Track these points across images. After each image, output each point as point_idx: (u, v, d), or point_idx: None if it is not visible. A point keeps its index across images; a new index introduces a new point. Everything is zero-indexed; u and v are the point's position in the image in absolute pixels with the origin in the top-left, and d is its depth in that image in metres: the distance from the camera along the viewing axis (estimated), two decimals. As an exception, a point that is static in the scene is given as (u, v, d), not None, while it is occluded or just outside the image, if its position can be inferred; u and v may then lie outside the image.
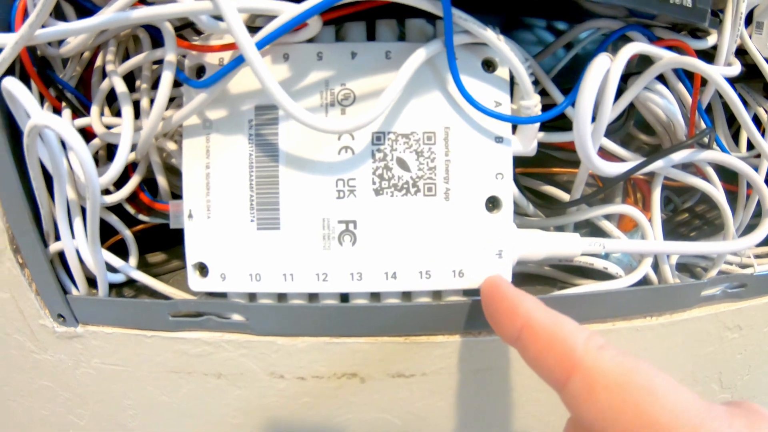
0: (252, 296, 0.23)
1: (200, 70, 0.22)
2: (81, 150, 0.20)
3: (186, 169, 0.22)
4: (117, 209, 0.26)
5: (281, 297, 0.23)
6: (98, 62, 0.25)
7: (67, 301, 0.25)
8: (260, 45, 0.19)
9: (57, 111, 0.25)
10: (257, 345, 0.24)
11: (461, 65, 0.21)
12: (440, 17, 0.20)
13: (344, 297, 0.23)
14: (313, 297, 0.23)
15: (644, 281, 0.24)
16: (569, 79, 0.25)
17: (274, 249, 0.22)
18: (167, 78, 0.21)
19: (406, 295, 0.23)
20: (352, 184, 0.22)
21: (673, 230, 0.26)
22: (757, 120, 0.27)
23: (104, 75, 0.25)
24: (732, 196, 0.26)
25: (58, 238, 0.26)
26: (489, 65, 0.22)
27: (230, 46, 0.22)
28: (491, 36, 0.21)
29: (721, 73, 0.22)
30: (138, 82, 0.25)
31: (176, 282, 0.27)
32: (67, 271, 0.26)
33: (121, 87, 0.23)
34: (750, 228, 0.25)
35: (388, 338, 0.23)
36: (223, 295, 0.24)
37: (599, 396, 0.15)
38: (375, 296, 0.23)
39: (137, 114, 0.23)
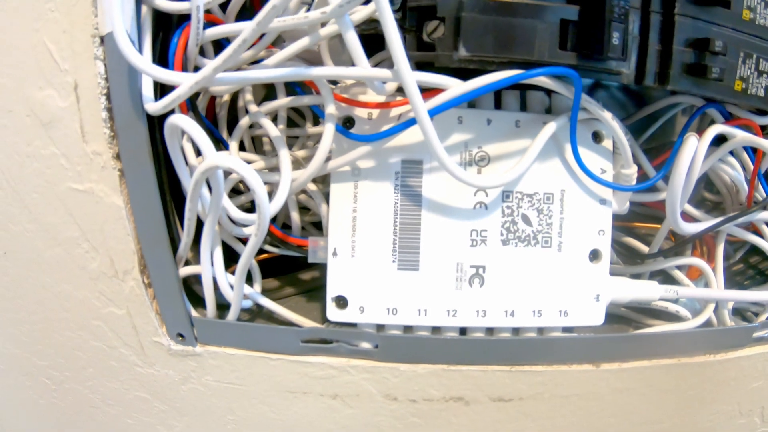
0: (380, 328, 0.26)
1: (347, 121, 0.25)
2: (261, 192, 0.21)
3: (333, 210, 0.25)
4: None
5: (407, 329, 0.26)
6: (240, 102, 0.27)
7: (192, 322, 0.27)
8: (432, 112, 0.22)
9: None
10: (381, 370, 0.26)
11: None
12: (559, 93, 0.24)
13: (461, 331, 0.26)
14: (435, 330, 0.26)
15: (706, 323, 0.28)
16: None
17: (412, 287, 0.25)
18: (330, 129, 0.23)
19: (515, 330, 0.27)
20: (484, 234, 0.25)
21: (729, 278, 0.31)
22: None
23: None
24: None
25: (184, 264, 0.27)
26: (597, 137, 0.26)
27: (384, 105, 0.24)
28: (607, 116, 0.25)
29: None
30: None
31: (290, 308, 0.29)
32: (189, 294, 0.28)
33: (274, 131, 0.25)
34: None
35: (498, 366, 0.26)
36: (352, 325, 0.26)
37: None
38: (489, 331, 0.26)
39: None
